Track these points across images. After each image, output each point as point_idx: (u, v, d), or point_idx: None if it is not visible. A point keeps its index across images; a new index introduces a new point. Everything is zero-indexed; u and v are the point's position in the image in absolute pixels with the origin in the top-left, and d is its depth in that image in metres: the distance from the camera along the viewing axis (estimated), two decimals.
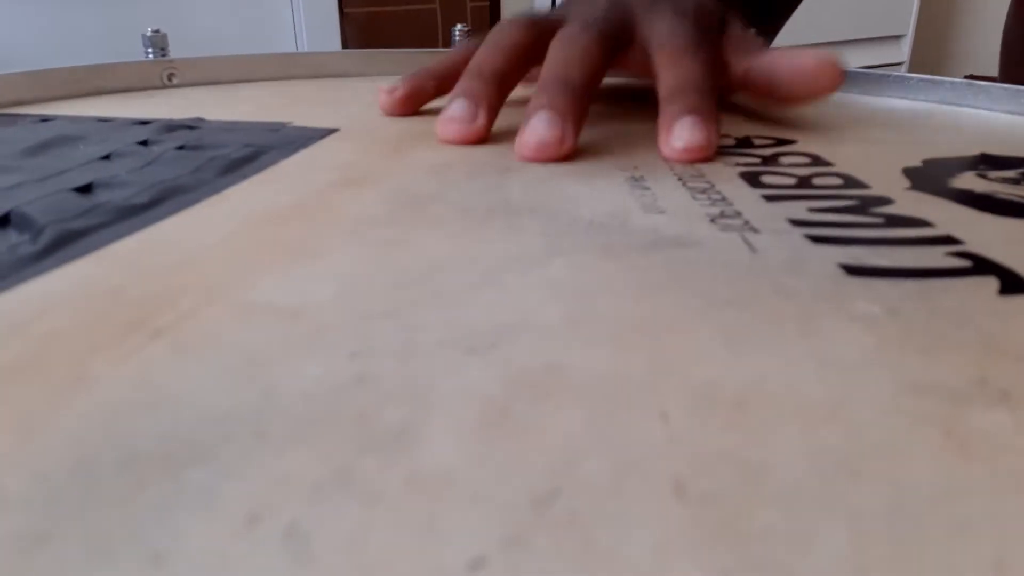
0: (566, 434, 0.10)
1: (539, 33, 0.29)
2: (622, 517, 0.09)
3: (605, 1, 0.31)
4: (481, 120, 0.26)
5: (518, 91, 0.29)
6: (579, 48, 0.27)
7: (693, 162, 0.24)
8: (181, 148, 0.25)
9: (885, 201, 0.20)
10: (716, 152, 0.25)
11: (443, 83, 0.32)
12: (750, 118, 0.32)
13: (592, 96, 0.26)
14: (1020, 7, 0.53)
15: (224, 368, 0.12)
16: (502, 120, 0.28)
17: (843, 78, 0.27)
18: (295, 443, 0.10)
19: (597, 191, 0.21)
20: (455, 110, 0.27)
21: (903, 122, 0.32)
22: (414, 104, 0.32)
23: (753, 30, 0.32)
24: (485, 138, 0.27)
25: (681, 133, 0.24)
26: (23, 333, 0.13)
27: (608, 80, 0.41)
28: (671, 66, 0.27)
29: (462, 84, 0.27)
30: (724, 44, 0.31)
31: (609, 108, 0.34)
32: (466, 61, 0.30)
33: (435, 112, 0.33)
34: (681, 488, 0.09)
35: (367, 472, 0.09)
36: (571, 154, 0.25)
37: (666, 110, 0.25)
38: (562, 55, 0.27)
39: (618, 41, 0.29)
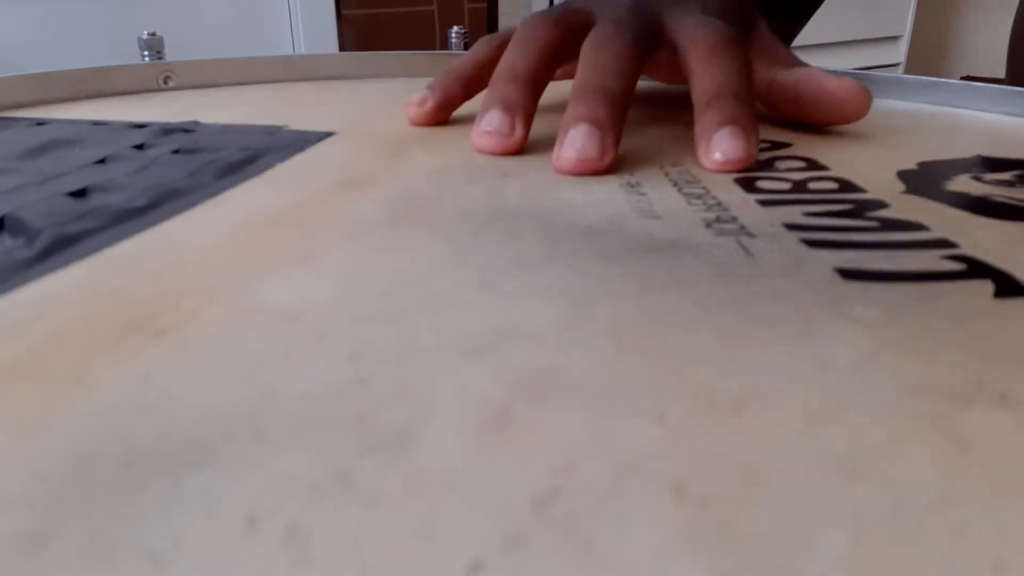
0: (565, 436, 0.10)
1: (567, 29, 0.28)
2: (621, 518, 0.09)
3: None
4: (519, 132, 0.26)
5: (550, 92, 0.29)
6: (614, 54, 0.26)
7: (733, 172, 0.24)
8: (177, 151, 0.25)
9: (880, 205, 0.20)
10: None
11: (471, 86, 0.31)
12: None
13: (629, 102, 0.25)
14: None
15: (224, 369, 0.12)
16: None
17: (869, 107, 0.27)
18: (295, 444, 0.10)
19: (594, 196, 0.21)
20: (491, 122, 0.26)
21: (899, 124, 0.32)
22: (445, 113, 0.31)
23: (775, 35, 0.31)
24: (523, 149, 0.26)
25: (720, 144, 0.24)
26: (23, 334, 0.13)
27: None
28: (704, 68, 0.26)
29: (495, 91, 0.27)
30: (749, 48, 0.30)
31: None
32: (491, 60, 0.29)
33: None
34: (680, 490, 0.09)
35: (367, 473, 0.09)
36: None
37: (703, 118, 0.25)
38: (596, 61, 0.26)
39: (650, 42, 0.28)
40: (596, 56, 0.26)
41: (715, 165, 0.24)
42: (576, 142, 0.23)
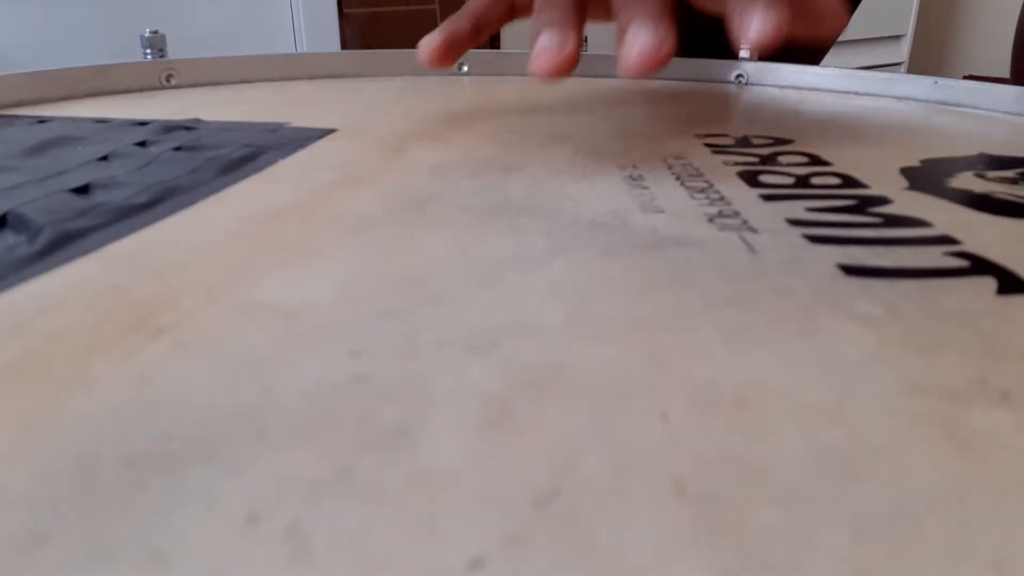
0: (566, 433, 0.10)
1: None
2: (622, 517, 0.09)
3: None
4: (571, 44, 0.25)
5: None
6: None
7: (768, 50, 0.23)
8: (179, 149, 0.25)
9: (883, 201, 0.20)
10: (715, 150, 0.24)
11: (480, 24, 0.31)
12: (748, 118, 0.32)
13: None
14: None
15: (224, 367, 0.12)
16: (495, 118, 0.28)
17: (847, 20, 0.26)
18: (295, 442, 0.10)
19: (596, 190, 0.21)
20: (544, 41, 0.26)
21: (902, 122, 0.32)
22: (454, 50, 0.30)
23: None
24: (576, 63, 0.26)
25: (754, 23, 0.23)
26: (23, 333, 0.13)
27: (606, 81, 0.41)
28: None
29: (541, 18, 0.27)
30: None
31: (607, 108, 0.34)
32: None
33: (436, 116, 0.33)
34: (681, 488, 0.09)
35: (367, 471, 0.09)
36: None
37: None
38: None
39: None
40: None
41: (752, 42, 0.23)
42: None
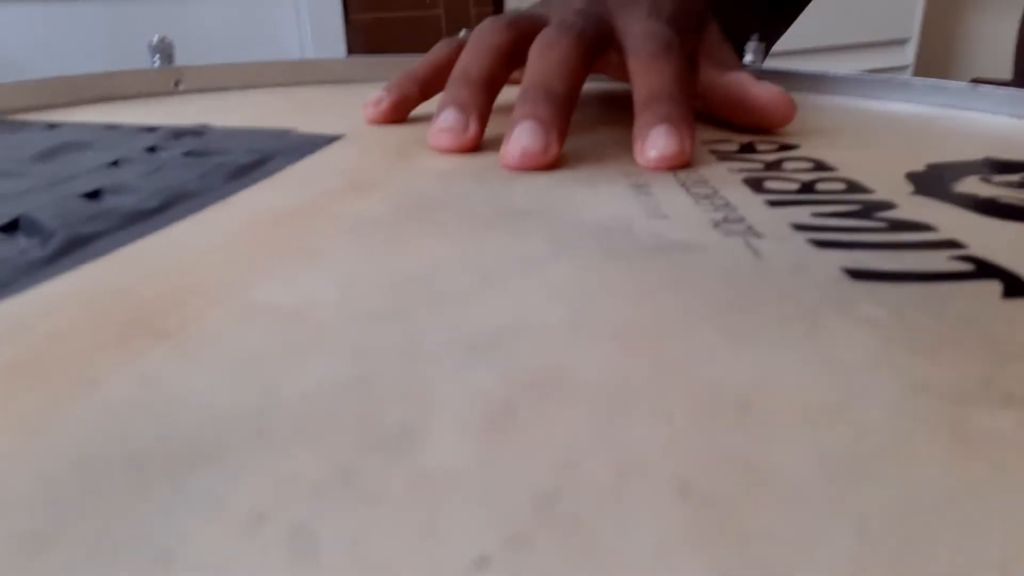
0: (569, 435, 0.10)
1: (520, 33, 0.28)
2: (625, 518, 0.09)
3: (581, 1, 0.30)
4: (473, 129, 0.26)
5: (506, 95, 0.29)
6: (559, 54, 0.26)
7: (669, 169, 0.24)
8: (188, 154, 0.26)
9: (888, 206, 0.20)
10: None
11: (427, 87, 0.32)
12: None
13: (575, 102, 0.26)
14: None
15: (228, 369, 0.12)
16: (500, 124, 0.28)
17: (793, 115, 0.28)
18: (298, 443, 0.10)
19: (601, 196, 0.21)
20: (446, 120, 0.26)
21: (907, 126, 0.32)
22: (401, 113, 0.32)
23: (729, 43, 0.32)
24: (477, 146, 0.27)
25: (655, 142, 0.24)
26: (29, 334, 0.13)
27: (607, 85, 0.41)
28: (643, 73, 0.26)
29: (450, 92, 0.27)
30: (697, 48, 0.31)
31: (610, 114, 0.34)
32: (447, 63, 0.30)
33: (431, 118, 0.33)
34: (685, 489, 0.09)
35: (370, 472, 0.09)
36: (555, 162, 0.25)
37: (639, 119, 0.25)
38: (542, 62, 0.26)
39: (598, 43, 0.28)
40: (541, 57, 0.27)
41: (650, 162, 0.24)
42: (521, 138, 0.24)
